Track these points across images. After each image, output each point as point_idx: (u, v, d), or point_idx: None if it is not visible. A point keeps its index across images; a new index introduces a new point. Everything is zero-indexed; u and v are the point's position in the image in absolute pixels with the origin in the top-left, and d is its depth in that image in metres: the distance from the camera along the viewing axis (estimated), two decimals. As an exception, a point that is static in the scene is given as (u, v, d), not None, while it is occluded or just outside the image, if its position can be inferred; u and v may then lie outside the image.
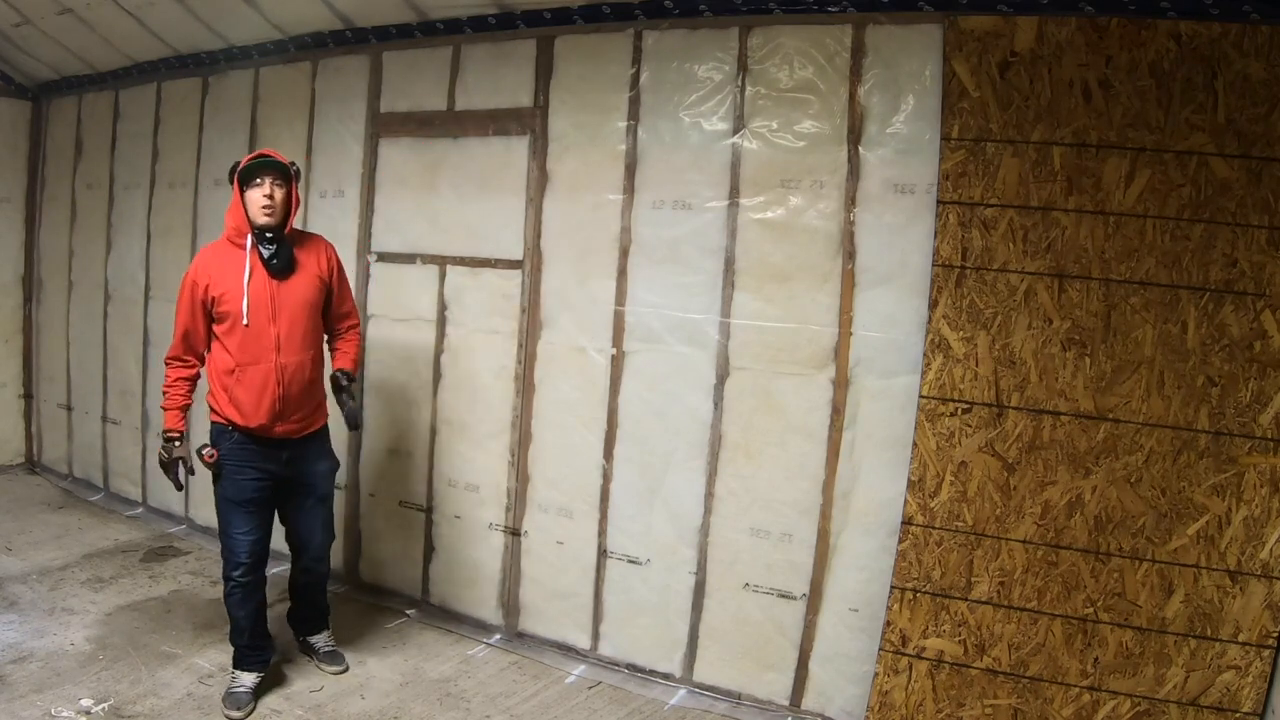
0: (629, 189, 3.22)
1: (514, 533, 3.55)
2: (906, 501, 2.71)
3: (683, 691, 3.19)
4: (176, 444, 2.87)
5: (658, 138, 3.17)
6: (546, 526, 3.47)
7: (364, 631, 3.53)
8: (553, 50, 3.35)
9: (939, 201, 2.66)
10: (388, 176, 3.78)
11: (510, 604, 3.57)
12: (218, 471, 2.84)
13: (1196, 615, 2.45)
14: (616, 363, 3.28)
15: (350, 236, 3.85)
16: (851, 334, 2.89)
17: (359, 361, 3.19)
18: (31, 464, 5.53)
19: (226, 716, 2.82)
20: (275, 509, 3.00)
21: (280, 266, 2.83)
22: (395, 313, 3.80)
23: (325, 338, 3.08)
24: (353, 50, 3.82)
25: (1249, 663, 2.40)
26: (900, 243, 2.81)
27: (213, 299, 2.79)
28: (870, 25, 2.81)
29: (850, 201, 2.87)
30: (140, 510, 4.81)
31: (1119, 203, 2.49)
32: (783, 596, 3.04)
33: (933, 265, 2.67)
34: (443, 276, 3.66)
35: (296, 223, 3.04)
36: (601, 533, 3.35)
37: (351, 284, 3.86)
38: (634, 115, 3.20)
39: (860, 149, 2.85)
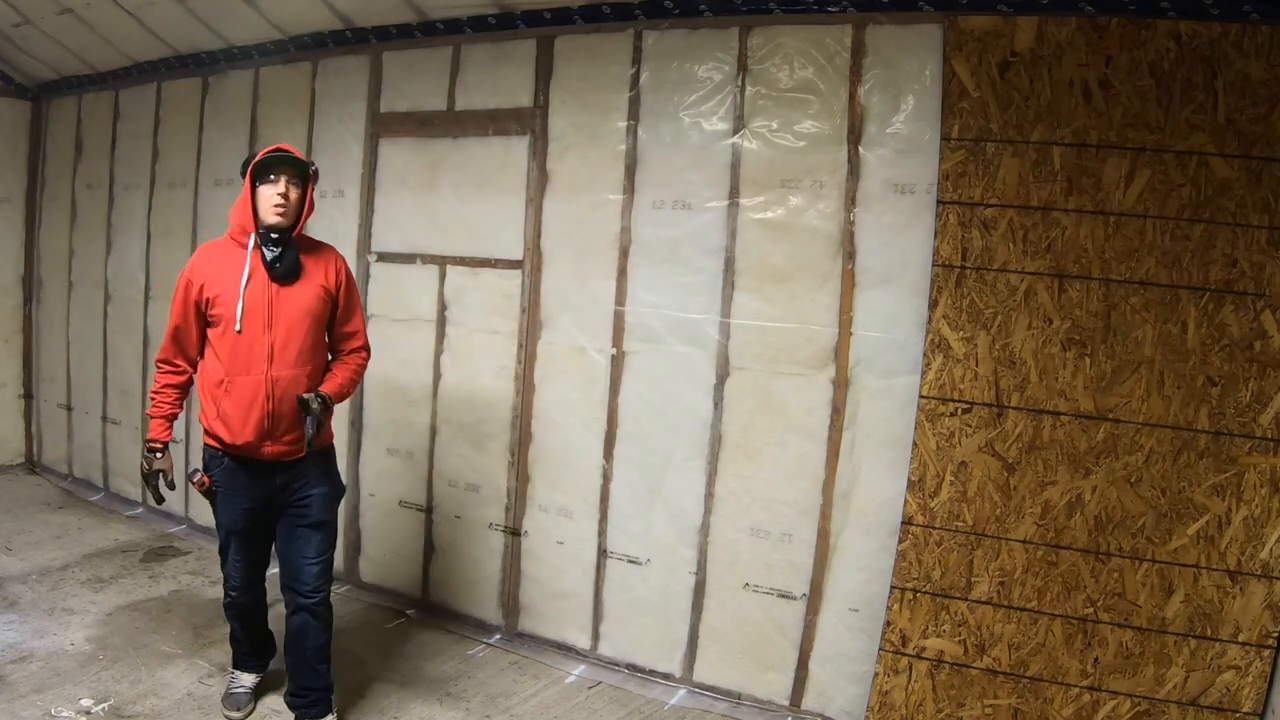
0: (629, 189, 3.22)
1: (514, 533, 3.55)
2: (906, 501, 2.71)
3: (683, 691, 3.19)
4: (158, 455, 2.66)
5: (658, 138, 3.17)
6: (546, 526, 3.47)
7: (364, 631, 3.53)
8: (553, 50, 3.35)
9: (939, 201, 2.66)
10: (388, 176, 3.78)
11: (510, 604, 3.57)
12: (211, 498, 2.68)
13: (1196, 615, 2.45)
14: (616, 363, 3.28)
15: (350, 236, 3.85)
16: (851, 334, 2.89)
17: (344, 392, 2.72)
18: (31, 464, 5.53)
19: (226, 717, 2.82)
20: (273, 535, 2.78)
21: (283, 271, 2.59)
22: (395, 313, 3.80)
23: (332, 348, 2.80)
24: (353, 50, 3.82)
25: (1249, 663, 2.40)
26: (900, 243, 2.81)
27: (207, 300, 2.57)
28: (870, 25, 2.81)
29: (850, 201, 2.87)
30: (140, 510, 4.81)
31: (1119, 203, 2.49)
32: (783, 596, 3.04)
33: (933, 265, 2.67)
34: (443, 276, 3.66)
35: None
36: (601, 533, 3.35)
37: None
38: (634, 115, 3.20)
39: (860, 149, 2.85)
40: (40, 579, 3.82)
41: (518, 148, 3.44)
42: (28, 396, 5.51)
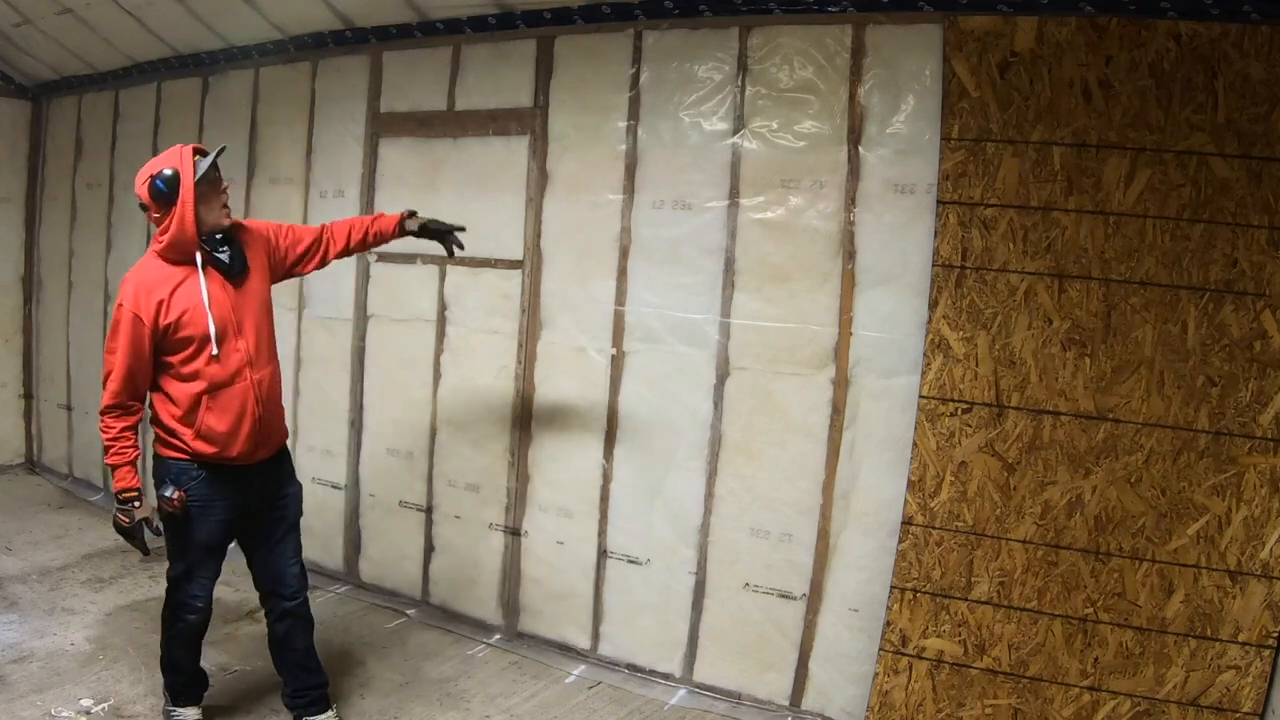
0: (629, 189, 3.22)
1: (514, 533, 3.55)
2: (906, 501, 2.71)
3: (683, 691, 3.19)
4: (136, 505, 2.45)
5: (658, 138, 3.17)
6: (546, 526, 3.47)
7: (364, 631, 3.53)
8: (553, 50, 3.35)
9: (939, 201, 2.66)
10: (388, 176, 3.78)
11: (510, 604, 3.57)
12: (185, 515, 2.47)
13: (1196, 615, 2.45)
14: (616, 363, 3.28)
15: (350, 236, 3.84)
16: (851, 334, 2.89)
17: (377, 219, 2.82)
18: (31, 464, 5.53)
19: None
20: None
21: (240, 265, 2.50)
22: (395, 313, 3.80)
23: (323, 259, 2.77)
24: (353, 50, 3.82)
25: (1249, 663, 2.40)
26: (900, 243, 2.81)
27: (170, 326, 2.38)
28: (870, 25, 2.81)
29: (850, 201, 2.87)
30: (140, 510, 4.81)
31: (1119, 203, 2.49)
32: (783, 596, 3.04)
33: (933, 265, 2.67)
34: (443, 276, 3.66)
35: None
36: (601, 533, 3.35)
37: (351, 284, 3.88)
38: (634, 115, 3.20)
39: (860, 149, 2.85)
40: (40, 579, 3.82)
41: (518, 148, 3.44)
42: (28, 396, 5.52)
